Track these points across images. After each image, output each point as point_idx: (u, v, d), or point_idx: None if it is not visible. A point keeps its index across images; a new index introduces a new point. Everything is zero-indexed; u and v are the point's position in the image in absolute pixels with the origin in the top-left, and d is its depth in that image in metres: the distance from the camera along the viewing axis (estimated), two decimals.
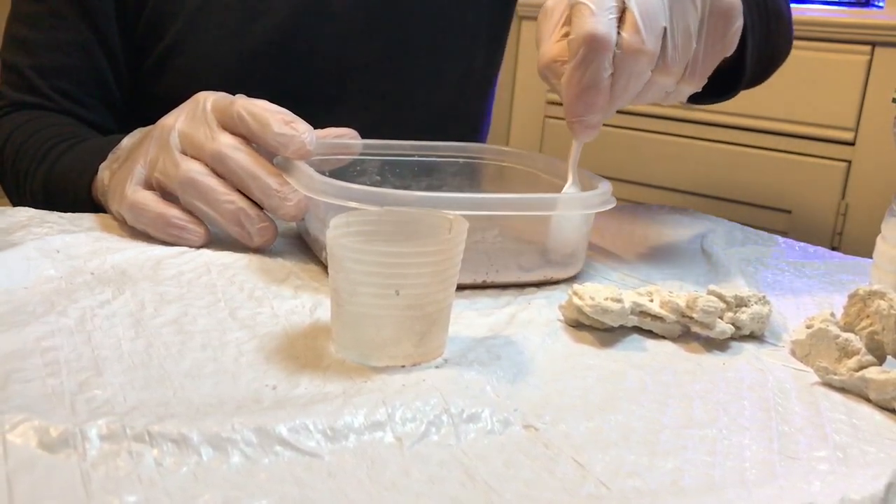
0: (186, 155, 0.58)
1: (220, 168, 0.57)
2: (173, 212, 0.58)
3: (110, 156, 0.66)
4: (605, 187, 0.58)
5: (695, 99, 0.79)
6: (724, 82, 0.75)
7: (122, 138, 0.67)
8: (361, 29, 0.82)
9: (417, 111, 0.87)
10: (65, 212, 0.65)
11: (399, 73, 0.86)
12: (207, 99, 0.59)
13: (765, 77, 0.86)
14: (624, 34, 0.53)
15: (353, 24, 0.82)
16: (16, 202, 0.78)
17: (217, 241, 0.60)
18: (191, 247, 0.59)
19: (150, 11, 0.78)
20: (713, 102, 0.78)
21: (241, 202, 0.57)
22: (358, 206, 0.51)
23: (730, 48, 0.59)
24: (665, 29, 0.54)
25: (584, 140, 0.57)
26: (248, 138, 0.58)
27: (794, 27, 1.66)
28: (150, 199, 0.59)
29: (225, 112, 0.58)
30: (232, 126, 0.58)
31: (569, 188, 0.59)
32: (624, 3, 0.53)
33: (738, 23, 0.58)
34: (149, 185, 0.60)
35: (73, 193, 0.69)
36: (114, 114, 0.81)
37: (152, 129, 0.61)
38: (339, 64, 0.82)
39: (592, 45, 0.52)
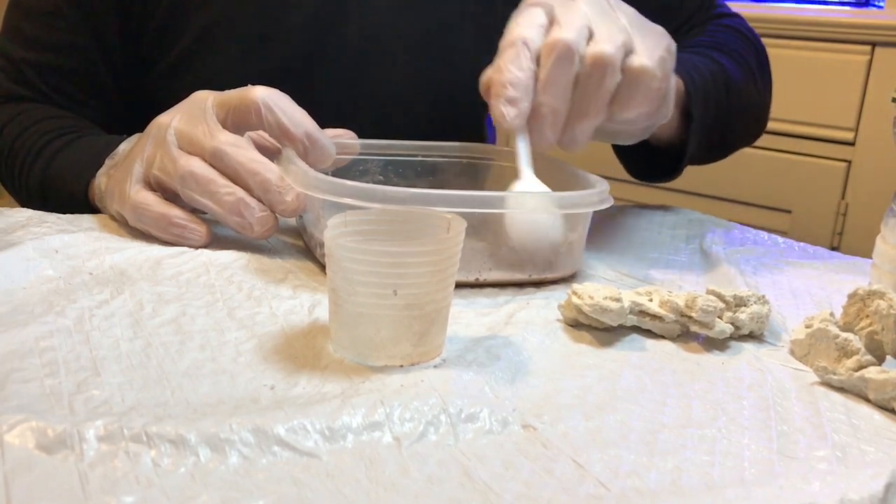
0: (184, 151, 0.58)
1: (218, 165, 0.57)
2: (175, 212, 0.58)
3: (107, 162, 0.66)
4: (603, 186, 0.58)
5: (642, 176, 0.83)
6: (666, 162, 0.79)
7: (120, 143, 0.66)
8: (375, 60, 0.82)
9: (430, 134, 0.86)
10: (61, 209, 0.65)
11: (410, 101, 0.85)
12: (208, 98, 0.59)
13: (720, 158, 0.91)
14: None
15: (366, 53, 0.81)
16: (11, 194, 0.78)
17: (216, 240, 0.60)
18: (192, 247, 0.58)
19: (156, 24, 0.77)
20: (658, 181, 0.82)
21: (241, 193, 0.57)
22: (352, 203, 0.51)
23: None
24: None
25: (502, 117, 0.57)
26: (262, 127, 0.58)
27: (795, 27, 1.65)
28: (152, 200, 0.59)
29: (242, 100, 0.58)
30: (243, 114, 0.58)
31: (521, 186, 0.58)
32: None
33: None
34: (147, 183, 0.60)
35: (69, 194, 0.68)
36: (110, 112, 0.81)
37: (148, 128, 0.61)
38: (353, 87, 0.81)
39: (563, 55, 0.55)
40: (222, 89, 0.61)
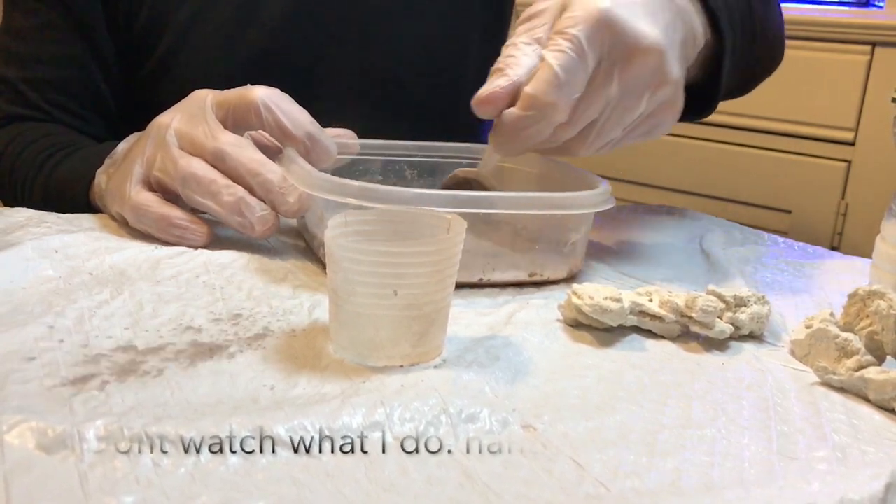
0: (184, 152, 0.58)
1: (220, 165, 0.57)
2: (176, 212, 0.58)
3: (107, 160, 0.66)
4: (605, 187, 0.58)
5: None
6: (697, 102, 0.74)
7: (118, 143, 0.67)
8: (354, 37, 0.82)
9: (412, 118, 0.87)
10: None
11: (392, 82, 0.85)
12: (206, 96, 0.59)
13: (745, 91, 0.85)
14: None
15: (345, 31, 0.82)
16: None
17: (216, 240, 0.60)
18: (193, 247, 0.58)
19: (140, 25, 0.78)
20: (684, 121, 0.78)
21: (241, 192, 0.57)
22: (356, 203, 0.51)
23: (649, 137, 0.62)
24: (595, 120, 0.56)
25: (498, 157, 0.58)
26: (262, 127, 0.58)
27: (795, 27, 1.64)
28: (153, 200, 0.59)
29: (241, 100, 0.58)
30: (243, 114, 0.58)
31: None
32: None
33: (666, 128, 0.61)
34: (147, 184, 0.60)
35: (71, 200, 0.69)
36: (109, 124, 0.81)
37: (148, 129, 0.61)
38: (332, 72, 0.82)
39: (546, 111, 0.53)
40: (207, 83, 0.61)
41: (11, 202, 0.79)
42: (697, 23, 0.61)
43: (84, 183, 0.68)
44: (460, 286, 0.55)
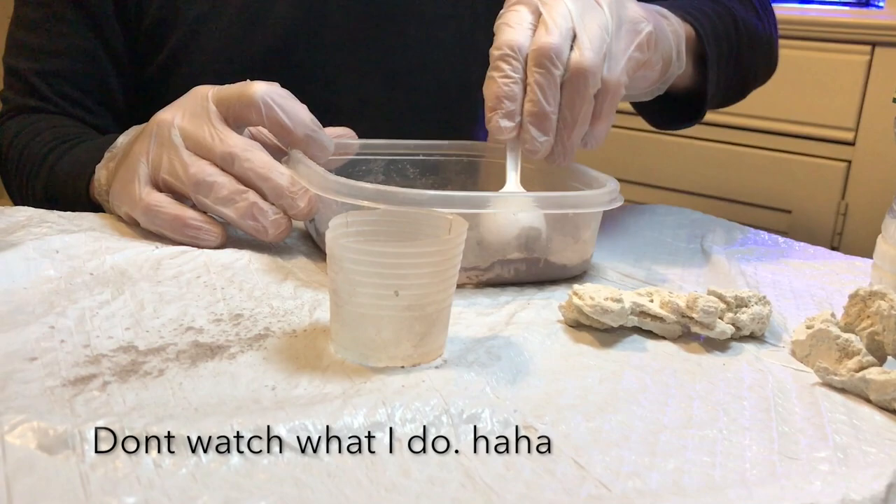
0: (190, 153, 0.58)
1: (229, 169, 0.57)
2: (190, 213, 0.58)
3: (106, 155, 0.66)
4: (613, 185, 0.58)
5: (662, 125, 0.83)
6: (689, 108, 0.80)
7: (118, 137, 0.67)
8: (359, 37, 0.82)
9: (414, 119, 0.87)
10: (66, 210, 0.65)
11: (396, 81, 0.86)
12: (207, 93, 0.59)
13: (739, 98, 0.90)
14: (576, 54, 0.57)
15: (350, 31, 0.82)
16: (20, 204, 0.78)
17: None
18: (208, 247, 0.58)
19: (150, 21, 0.78)
20: (678, 128, 0.83)
21: (254, 197, 0.57)
22: (370, 206, 0.51)
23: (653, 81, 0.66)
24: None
25: (497, 135, 0.59)
26: (262, 124, 0.59)
27: (795, 27, 1.66)
28: (165, 201, 0.58)
29: (241, 97, 0.58)
30: (243, 111, 0.58)
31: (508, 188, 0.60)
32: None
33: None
34: (155, 185, 0.59)
35: (72, 195, 0.69)
36: (118, 118, 0.81)
37: (148, 126, 0.60)
38: (338, 71, 0.82)
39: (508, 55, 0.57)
40: (216, 80, 0.61)
41: (17, 194, 0.79)
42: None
43: (84, 178, 0.68)
44: (463, 285, 0.55)
